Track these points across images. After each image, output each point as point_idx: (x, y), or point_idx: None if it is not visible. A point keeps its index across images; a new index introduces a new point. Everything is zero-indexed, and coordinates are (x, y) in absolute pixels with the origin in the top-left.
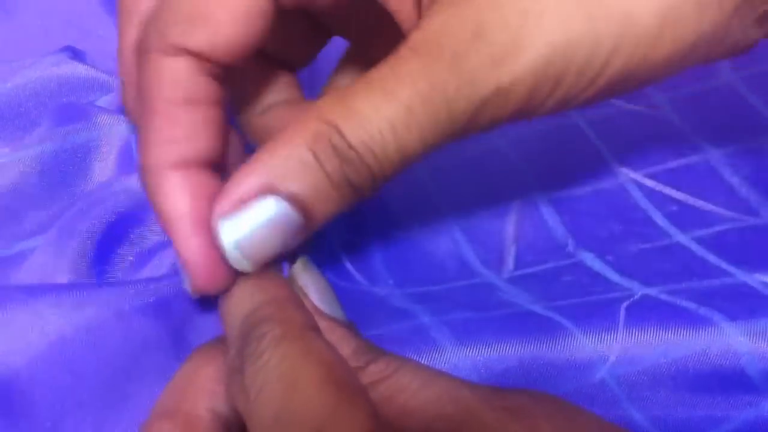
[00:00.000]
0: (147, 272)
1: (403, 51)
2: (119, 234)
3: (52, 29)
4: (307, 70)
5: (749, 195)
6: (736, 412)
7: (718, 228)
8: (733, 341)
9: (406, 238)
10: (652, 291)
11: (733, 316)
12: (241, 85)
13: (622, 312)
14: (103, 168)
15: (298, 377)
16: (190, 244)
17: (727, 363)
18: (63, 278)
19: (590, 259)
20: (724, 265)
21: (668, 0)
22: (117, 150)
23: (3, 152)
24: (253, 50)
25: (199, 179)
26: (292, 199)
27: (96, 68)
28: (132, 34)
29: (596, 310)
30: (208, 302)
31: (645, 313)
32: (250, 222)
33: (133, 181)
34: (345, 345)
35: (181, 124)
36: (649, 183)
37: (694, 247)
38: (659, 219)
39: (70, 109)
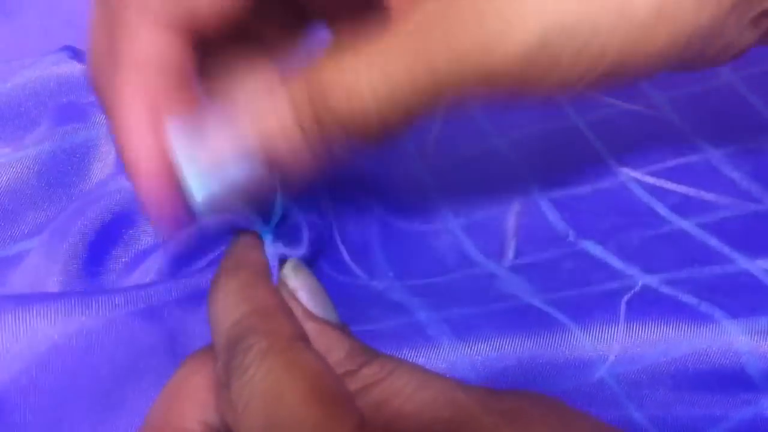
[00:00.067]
0: (138, 275)
1: (395, 26)
2: (112, 235)
3: (52, 29)
4: None
5: (751, 187)
6: (735, 411)
7: (720, 214)
8: (734, 340)
9: (407, 232)
10: (653, 280)
11: (734, 314)
12: (217, 63)
13: (623, 307)
14: (102, 168)
15: (284, 392)
16: (152, 184)
17: (727, 362)
18: (54, 280)
19: (591, 246)
20: (726, 251)
21: None
22: (116, 150)
23: (3, 152)
24: (233, 22)
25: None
26: (264, 151)
27: None
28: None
29: (597, 305)
30: (202, 307)
31: (646, 309)
32: (219, 172)
33: (127, 181)
34: (338, 348)
35: (154, 86)
36: (650, 180)
37: (697, 232)
38: (661, 209)
39: (69, 108)
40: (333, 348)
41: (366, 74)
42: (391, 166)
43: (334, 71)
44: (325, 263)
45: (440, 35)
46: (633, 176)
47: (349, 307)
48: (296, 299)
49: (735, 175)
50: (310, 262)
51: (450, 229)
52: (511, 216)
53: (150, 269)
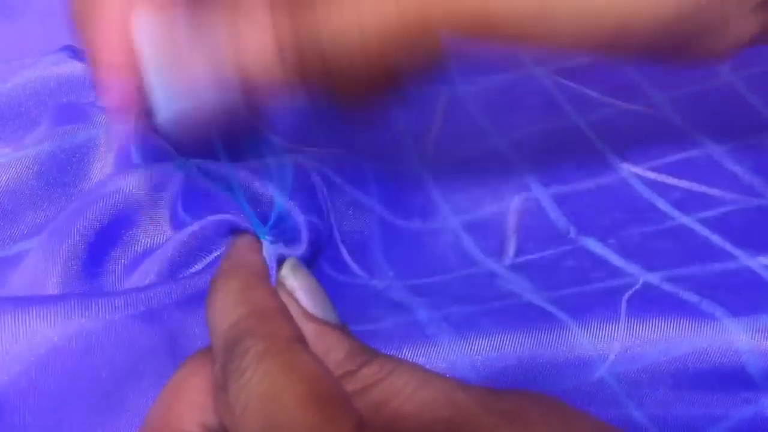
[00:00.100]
0: (137, 277)
1: None
2: (112, 236)
3: (52, 29)
4: None
5: (753, 181)
6: (736, 410)
7: (722, 209)
8: (735, 338)
9: (407, 230)
10: (654, 278)
11: (735, 312)
12: None
13: (624, 305)
14: (102, 168)
15: (281, 394)
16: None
17: (728, 361)
18: (54, 281)
19: (592, 244)
20: (728, 247)
21: None
22: (116, 150)
23: (3, 152)
24: None
25: None
26: (238, 73)
27: None
28: None
29: (597, 303)
30: (201, 309)
31: (646, 307)
32: (187, 89)
33: (125, 182)
34: (337, 348)
35: None
36: (651, 175)
37: (698, 227)
38: (662, 205)
39: (69, 108)
40: (332, 348)
41: (354, 7)
42: (391, 164)
43: (323, 2)
44: (325, 262)
45: None
46: (634, 172)
47: (349, 307)
48: (295, 299)
49: (737, 169)
50: (310, 261)
51: (450, 228)
52: (511, 214)
53: (149, 271)
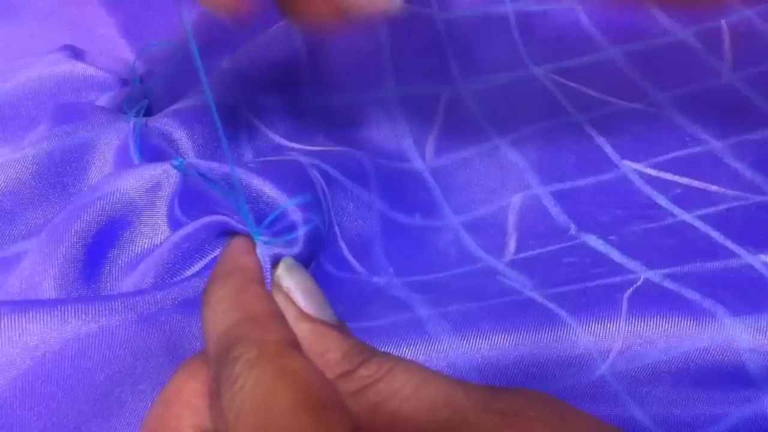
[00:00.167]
0: (134, 278)
1: None
2: (109, 237)
3: (53, 29)
4: None
5: (754, 177)
6: (735, 408)
7: (723, 206)
8: (735, 337)
9: (407, 227)
10: (655, 275)
11: (736, 311)
12: None
13: (625, 303)
14: (100, 168)
15: (273, 401)
16: None
17: (728, 360)
18: (51, 283)
19: (593, 240)
20: (729, 244)
21: None
22: (115, 150)
23: (2, 152)
24: None
25: None
26: None
27: (95, 67)
28: None
29: (598, 301)
30: (199, 311)
31: (647, 305)
32: None
33: (123, 182)
34: (334, 348)
35: None
36: (652, 172)
37: (699, 224)
38: (663, 201)
39: (68, 108)
40: (329, 348)
41: None
42: (391, 162)
43: None
44: (325, 259)
45: None
46: (634, 168)
47: (349, 304)
48: (291, 300)
49: (738, 165)
50: (309, 259)
51: (451, 226)
52: (511, 211)
53: (147, 273)
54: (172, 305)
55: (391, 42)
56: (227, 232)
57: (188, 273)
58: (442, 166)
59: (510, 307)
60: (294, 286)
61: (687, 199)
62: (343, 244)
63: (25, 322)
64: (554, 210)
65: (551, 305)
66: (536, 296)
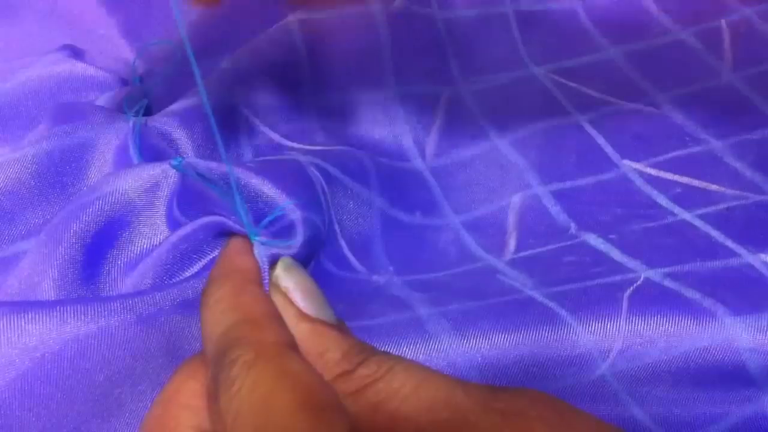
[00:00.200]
0: (134, 278)
1: None
2: (109, 237)
3: (53, 29)
4: None
5: (754, 176)
6: (736, 408)
7: (723, 205)
8: (735, 337)
9: (408, 226)
10: (656, 274)
11: (736, 310)
12: None
13: (625, 302)
14: (99, 168)
15: (271, 405)
16: None
17: (728, 359)
18: (50, 284)
19: (593, 239)
20: (729, 243)
21: None
22: (114, 149)
23: (2, 152)
24: None
25: None
26: None
27: (95, 66)
28: None
29: (598, 300)
30: (198, 311)
31: (648, 304)
32: None
33: (121, 182)
34: (333, 348)
35: None
36: (652, 171)
37: (699, 223)
38: (663, 200)
39: (68, 108)
40: (328, 348)
41: None
42: (391, 161)
43: None
44: (326, 258)
45: None
46: (635, 168)
47: (349, 302)
48: (290, 299)
49: (738, 165)
50: (308, 259)
51: (451, 226)
52: (511, 210)
53: (146, 274)
54: (172, 306)
55: (391, 42)
56: (225, 233)
57: (187, 274)
58: (442, 165)
59: (510, 306)
60: (293, 286)
61: (687, 198)
62: (343, 243)
63: (24, 323)
64: (554, 209)
65: (551, 304)
66: (536, 295)
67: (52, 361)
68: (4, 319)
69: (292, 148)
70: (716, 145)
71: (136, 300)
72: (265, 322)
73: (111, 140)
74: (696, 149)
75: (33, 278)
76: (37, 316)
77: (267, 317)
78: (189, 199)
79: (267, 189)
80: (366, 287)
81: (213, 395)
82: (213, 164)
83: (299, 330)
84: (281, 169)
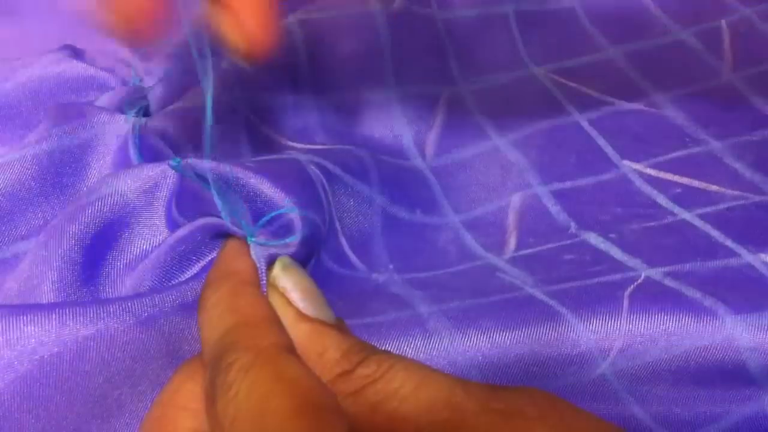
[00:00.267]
0: (132, 281)
1: None
2: (108, 238)
3: (52, 29)
4: None
5: (754, 177)
6: (736, 407)
7: (723, 205)
8: (736, 336)
9: (408, 224)
10: (656, 273)
11: (737, 310)
12: None
13: (626, 301)
14: (99, 169)
15: (268, 408)
16: None
17: (729, 358)
18: (50, 285)
19: (593, 238)
20: (729, 243)
21: None
22: (114, 150)
23: (2, 152)
24: None
25: None
26: None
27: (95, 67)
28: None
29: (599, 298)
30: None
31: (648, 303)
32: None
33: (120, 183)
34: (332, 348)
35: None
36: (652, 172)
37: (699, 223)
38: (663, 200)
39: (68, 108)
40: (327, 348)
41: None
42: (391, 159)
43: None
44: (326, 256)
45: None
46: (634, 168)
47: (349, 300)
48: (288, 300)
49: (738, 165)
50: (307, 258)
51: (451, 225)
52: (511, 210)
53: (145, 276)
54: (171, 308)
55: (391, 42)
56: (224, 234)
57: (186, 275)
58: (442, 165)
59: (511, 303)
60: (291, 286)
61: (687, 198)
62: (343, 240)
63: (23, 325)
64: (554, 209)
65: (552, 302)
66: (537, 293)
67: (52, 363)
68: (3, 321)
69: (293, 148)
70: (716, 145)
71: (135, 302)
72: (262, 324)
73: (111, 141)
74: (696, 149)
75: (32, 280)
76: (36, 318)
77: (264, 320)
78: (188, 199)
79: (266, 188)
80: (366, 285)
81: (210, 399)
82: (212, 164)
83: (298, 330)
84: (281, 168)
